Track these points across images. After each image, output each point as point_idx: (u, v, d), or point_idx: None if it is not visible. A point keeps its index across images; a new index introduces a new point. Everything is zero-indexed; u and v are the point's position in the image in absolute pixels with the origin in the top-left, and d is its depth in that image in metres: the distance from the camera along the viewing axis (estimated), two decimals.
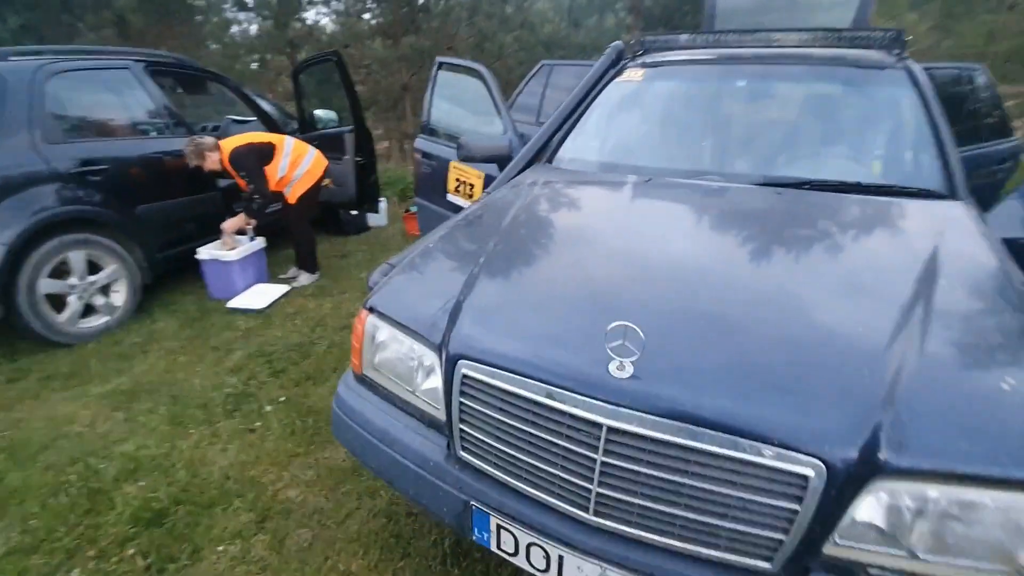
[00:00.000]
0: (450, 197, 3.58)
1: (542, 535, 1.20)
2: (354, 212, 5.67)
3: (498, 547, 1.30)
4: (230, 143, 3.89)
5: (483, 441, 1.30)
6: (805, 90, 2.29)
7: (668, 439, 1.06)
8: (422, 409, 1.43)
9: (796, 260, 1.48)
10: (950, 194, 1.84)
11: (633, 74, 2.61)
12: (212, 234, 4.05)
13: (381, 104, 13.76)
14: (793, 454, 1.00)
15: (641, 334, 1.11)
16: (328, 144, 4.83)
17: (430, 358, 1.38)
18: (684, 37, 2.82)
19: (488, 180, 3.18)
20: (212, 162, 3.84)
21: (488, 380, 1.24)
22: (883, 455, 0.98)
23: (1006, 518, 0.95)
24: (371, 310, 1.53)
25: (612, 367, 1.11)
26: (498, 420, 1.25)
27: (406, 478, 1.41)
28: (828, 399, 1.04)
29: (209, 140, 3.85)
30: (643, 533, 1.13)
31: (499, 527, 1.27)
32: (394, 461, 1.42)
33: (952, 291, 1.30)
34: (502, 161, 2.66)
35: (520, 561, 1.27)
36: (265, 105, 5.36)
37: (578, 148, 2.44)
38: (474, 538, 1.33)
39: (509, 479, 1.28)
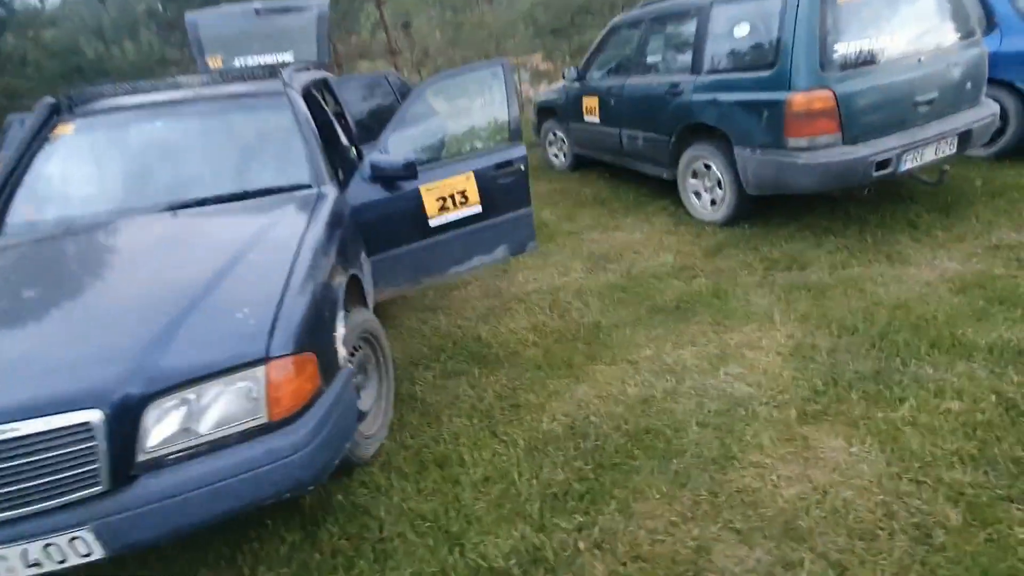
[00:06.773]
0: None
1: None
2: None
3: None
4: None
5: None
6: (211, 122, 2.76)
7: None
8: None
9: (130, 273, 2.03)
10: (313, 183, 2.46)
11: (64, 128, 2.68)
12: None
13: None
14: (68, 414, 1.39)
15: None
16: None
17: None
18: (109, 87, 3.05)
19: None
20: None
21: None
22: (145, 388, 1.45)
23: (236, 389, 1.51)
24: None
25: None
26: None
27: None
28: (88, 369, 1.49)
29: None
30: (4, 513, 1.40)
31: None
32: None
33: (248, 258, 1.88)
34: None
35: None
36: None
37: (21, 211, 2.47)
38: None
39: None
